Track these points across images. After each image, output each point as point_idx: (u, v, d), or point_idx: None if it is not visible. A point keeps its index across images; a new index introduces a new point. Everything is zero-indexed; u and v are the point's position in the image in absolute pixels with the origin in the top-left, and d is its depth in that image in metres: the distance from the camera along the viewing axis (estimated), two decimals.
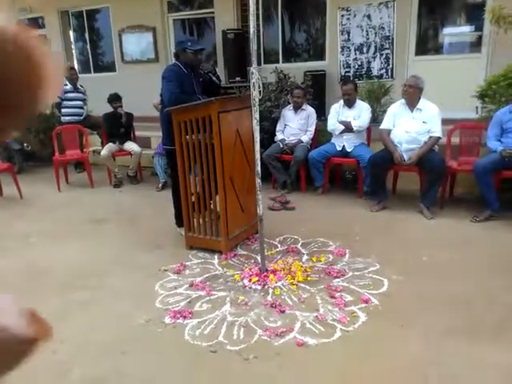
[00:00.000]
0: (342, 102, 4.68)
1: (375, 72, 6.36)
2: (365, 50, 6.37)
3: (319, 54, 7.00)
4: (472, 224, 3.68)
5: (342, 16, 6.40)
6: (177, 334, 2.35)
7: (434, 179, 3.86)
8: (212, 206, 3.33)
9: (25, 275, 3.16)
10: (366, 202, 4.33)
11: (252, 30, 2.60)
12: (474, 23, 6.00)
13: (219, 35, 7.19)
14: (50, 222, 4.27)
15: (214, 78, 3.69)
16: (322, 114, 5.15)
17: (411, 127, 3.95)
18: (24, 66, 0.29)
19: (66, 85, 6.17)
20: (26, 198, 5.05)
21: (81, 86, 6.31)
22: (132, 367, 2.12)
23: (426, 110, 3.96)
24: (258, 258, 3.02)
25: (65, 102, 6.14)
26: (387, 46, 6.23)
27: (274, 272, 2.92)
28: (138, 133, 5.99)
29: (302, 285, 2.79)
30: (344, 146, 4.58)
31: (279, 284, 2.80)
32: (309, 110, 4.93)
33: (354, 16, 6.33)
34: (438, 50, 6.42)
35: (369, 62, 6.38)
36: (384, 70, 6.31)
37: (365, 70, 6.42)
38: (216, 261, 3.23)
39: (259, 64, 6.46)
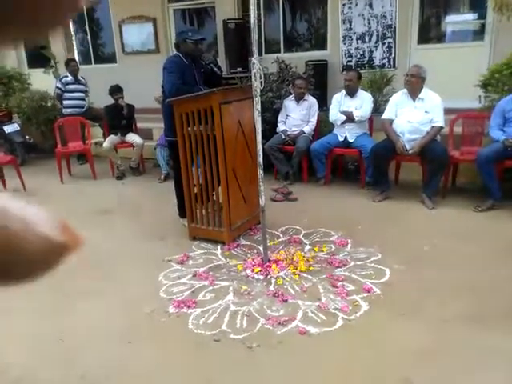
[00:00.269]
0: (343, 91, 4.66)
1: (377, 61, 6.31)
2: (367, 39, 6.32)
3: (321, 44, 6.94)
4: (474, 213, 3.68)
5: (344, 5, 6.34)
6: (181, 324, 2.38)
7: (437, 169, 3.86)
8: (214, 197, 3.35)
9: None
10: (368, 193, 4.34)
11: (253, 19, 2.59)
12: (477, 11, 5.94)
13: (220, 25, 7.13)
14: (53, 214, 4.28)
15: (215, 69, 3.68)
16: (323, 104, 5.14)
17: (413, 117, 3.94)
18: None
19: (67, 76, 6.16)
20: (29, 191, 5.07)
21: (82, 78, 6.30)
22: (137, 356, 2.15)
23: (429, 100, 3.94)
24: (261, 248, 3.04)
25: (66, 94, 6.14)
26: (389, 34, 6.18)
27: (276, 262, 2.94)
28: (139, 124, 5.99)
29: (304, 274, 2.81)
30: (346, 136, 4.58)
31: (281, 274, 2.83)
32: (311, 101, 4.91)
33: (356, 5, 6.27)
34: (440, 38, 6.36)
35: (371, 52, 6.34)
36: (386, 60, 6.26)
37: (367, 59, 6.37)
38: (219, 251, 3.26)
39: (260, 54, 6.41)
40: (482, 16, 5.77)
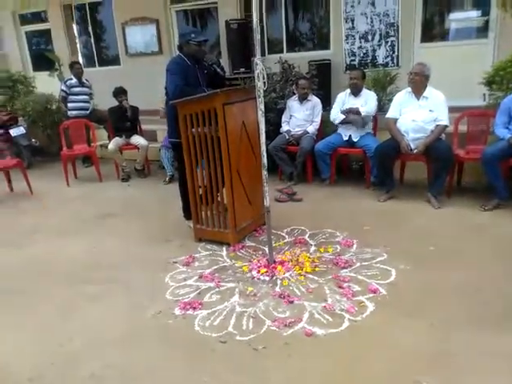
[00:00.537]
0: (348, 90, 4.65)
1: (380, 60, 6.29)
2: (370, 37, 6.30)
3: (323, 43, 6.92)
4: (480, 213, 3.66)
5: (346, 3, 6.31)
6: (187, 325, 2.39)
7: (442, 168, 3.84)
8: (219, 199, 3.35)
9: (35, 269, 3.22)
10: (373, 192, 4.33)
11: (255, 20, 2.58)
12: (480, 8, 5.89)
13: (222, 26, 7.13)
14: (59, 217, 4.33)
15: (218, 70, 3.67)
16: (327, 104, 5.13)
17: (418, 116, 3.92)
18: None
19: (72, 79, 6.20)
20: (35, 194, 5.11)
21: (86, 81, 6.34)
22: (143, 358, 2.16)
23: (433, 98, 3.92)
24: (266, 249, 3.05)
25: (71, 97, 6.18)
26: (392, 33, 6.15)
27: (281, 263, 2.94)
28: (143, 126, 6.01)
29: (310, 275, 2.81)
30: (350, 135, 4.57)
31: (287, 275, 2.83)
32: (314, 101, 4.91)
33: (358, 3, 6.24)
34: (444, 36, 6.32)
35: (374, 50, 6.31)
36: (389, 58, 6.24)
37: (370, 58, 6.35)
38: (224, 253, 3.26)
39: (263, 54, 6.42)
40: (486, 13, 5.73)
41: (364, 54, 6.39)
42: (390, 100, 4.35)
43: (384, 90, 5.27)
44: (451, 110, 3.99)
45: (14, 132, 6.06)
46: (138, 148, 5.52)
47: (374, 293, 2.56)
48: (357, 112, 4.48)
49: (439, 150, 3.81)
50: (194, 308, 2.53)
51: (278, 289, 2.68)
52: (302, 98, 4.87)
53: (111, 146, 5.44)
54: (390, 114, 4.15)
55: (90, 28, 8.86)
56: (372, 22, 6.23)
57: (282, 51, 6.98)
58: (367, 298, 2.52)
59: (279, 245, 3.30)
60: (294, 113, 4.94)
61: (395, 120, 4.08)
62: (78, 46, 9.24)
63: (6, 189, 5.28)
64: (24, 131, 6.13)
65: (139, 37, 8.07)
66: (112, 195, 4.96)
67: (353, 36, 6.41)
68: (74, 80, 6.18)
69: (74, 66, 6.28)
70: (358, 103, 4.55)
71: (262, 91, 2.70)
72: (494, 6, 4.99)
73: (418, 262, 2.88)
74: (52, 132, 6.62)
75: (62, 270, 3.16)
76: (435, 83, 4.00)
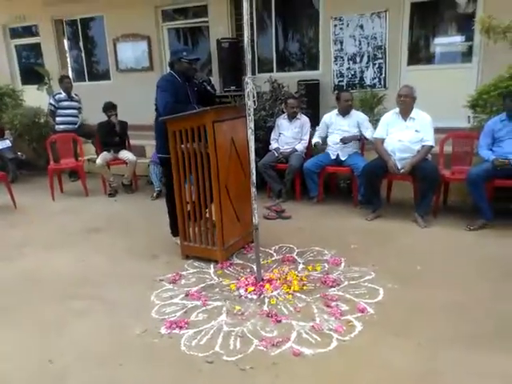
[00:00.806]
0: (335, 111, 4.72)
1: (368, 81, 6.43)
2: (358, 59, 6.45)
3: (313, 64, 7.06)
4: (466, 233, 3.71)
5: (335, 26, 6.48)
6: (173, 345, 2.34)
7: (428, 188, 3.89)
8: (207, 215, 3.34)
9: (19, 284, 3.14)
10: (360, 211, 4.36)
11: (246, 40, 2.62)
12: (464, 33, 6.11)
13: (214, 44, 7.24)
14: (44, 232, 4.25)
15: (208, 88, 3.70)
16: (315, 123, 5.20)
17: (404, 136, 3.99)
18: None
19: (61, 93, 6.18)
20: (20, 208, 5.02)
21: (75, 95, 6.31)
22: (128, 378, 2.11)
23: (419, 119, 4.00)
24: (254, 267, 3.03)
25: (59, 111, 6.14)
26: (380, 55, 6.31)
27: (269, 281, 2.92)
28: (132, 141, 5.99)
29: (298, 294, 2.79)
30: (338, 154, 4.62)
31: (275, 293, 2.81)
32: (303, 119, 4.97)
33: (347, 26, 6.41)
34: (429, 59, 6.51)
35: (362, 72, 6.46)
36: (377, 80, 6.38)
37: (358, 79, 6.49)
38: (212, 270, 3.23)
39: (254, 73, 6.50)
40: (470, 38, 5.93)
41: (352, 75, 6.53)
42: (377, 120, 4.43)
43: (371, 110, 5.37)
44: (437, 131, 4.07)
45: None
46: (126, 163, 5.48)
47: (362, 312, 2.55)
48: (359, 138, 4.59)
49: (425, 170, 3.87)
50: (181, 327, 2.48)
51: (265, 307, 2.65)
52: (291, 117, 4.93)
53: (99, 160, 5.40)
54: (377, 134, 4.22)
55: (80, 43, 8.91)
56: (360, 44, 6.39)
57: (271, 70, 7.09)
58: (355, 317, 2.51)
59: (267, 262, 3.28)
60: (283, 131, 4.99)
61: (382, 140, 4.14)
62: (68, 60, 9.26)
63: None
64: (9, 144, 6.05)
65: (130, 53, 8.13)
66: (98, 210, 4.90)
67: (341, 57, 6.56)
68: (63, 94, 6.15)
69: (63, 80, 6.26)
70: (346, 123, 4.62)
71: (252, 110, 2.72)
72: (477, 32, 5.15)
73: (406, 281, 2.89)
74: (38, 146, 6.55)
75: (45, 286, 3.09)
76: (421, 105, 4.09)
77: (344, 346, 2.26)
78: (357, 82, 6.50)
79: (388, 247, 3.49)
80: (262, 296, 2.79)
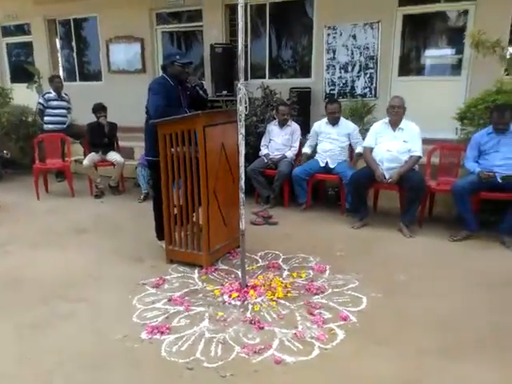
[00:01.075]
0: (325, 119, 4.75)
1: (359, 91, 6.49)
2: (349, 68, 6.51)
3: (305, 72, 7.11)
4: (450, 243, 3.74)
5: (328, 35, 6.54)
6: (153, 350, 2.31)
7: (414, 198, 3.92)
8: (194, 219, 3.32)
9: (1, 285, 3.08)
10: (347, 219, 4.37)
11: (240, 46, 2.63)
12: (454, 47, 6.22)
13: (207, 49, 7.25)
14: (28, 232, 4.18)
15: (200, 92, 3.70)
16: (306, 130, 5.22)
17: (393, 146, 4.02)
18: None
19: (50, 93, 6.12)
20: (4, 206, 4.94)
21: (65, 95, 6.26)
22: (108, 383, 2.07)
23: (408, 130, 4.04)
24: (239, 273, 3.01)
25: (48, 110, 6.08)
26: (371, 65, 6.37)
27: (254, 287, 2.91)
28: (121, 143, 5.95)
29: (282, 301, 2.78)
30: (327, 162, 4.64)
31: (259, 300, 2.79)
32: (294, 127, 4.99)
33: (340, 35, 6.47)
34: (420, 71, 6.61)
35: (353, 81, 6.52)
36: (368, 89, 6.44)
37: (349, 88, 6.55)
38: (196, 275, 3.21)
39: (246, 79, 6.52)
40: (460, 52, 6.03)
41: (343, 84, 6.58)
42: (367, 130, 4.46)
43: (361, 119, 5.41)
44: (424, 142, 4.12)
45: None
46: (114, 164, 5.44)
47: (345, 320, 2.54)
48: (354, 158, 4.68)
49: (412, 180, 3.90)
50: (162, 332, 2.45)
51: (248, 314, 2.63)
52: (282, 124, 4.94)
53: (86, 161, 5.35)
54: (366, 143, 4.25)
55: (73, 43, 8.86)
56: (352, 53, 6.46)
57: (264, 77, 7.12)
58: (338, 325, 2.50)
59: (252, 269, 3.26)
60: (274, 137, 4.99)
61: (371, 149, 4.17)
62: (59, 59, 9.19)
63: None
64: None
65: (123, 54, 8.10)
66: (84, 211, 4.85)
67: (333, 66, 6.61)
68: (53, 94, 6.10)
69: (53, 79, 6.21)
70: (336, 132, 4.65)
71: (243, 115, 2.72)
72: (467, 45, 5.24)
73: (389, 290, 2.90)
74: (25, 144, 6.46)
75: (27, 287, 3.04)
76: (410, 116, 4.14)
77: (325, 354, 2.25)
78: (348, 90, 6.56)
79: (373, 256, 3.50)
80: (246, 302, 2.77)
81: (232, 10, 7.13)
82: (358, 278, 3.07)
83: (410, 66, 6.65)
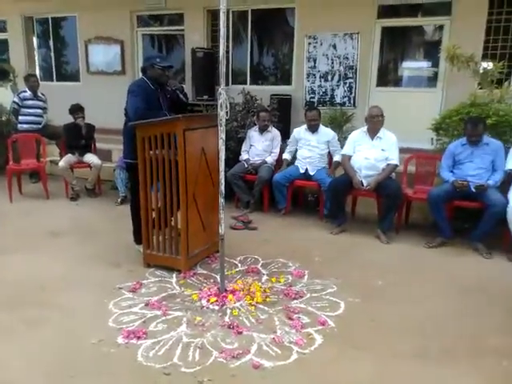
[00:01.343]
0: (305, 126, 4.80)
1: (338, 99, 6.60)
2: (329, 77, 6.61)
3: (286, 79, 7.18)
4: (425, 250, 3.83)
5: (309, 44, 6.63)
6: (130, 355, 2.26)
7: (391, 205, 4.00)
8: (173, 223, 3.28)
9: None
10: (326, 225, 4.41)
11: (222, 52, 2.64)
12: (431, 60, 6.41)
13: (188, 53, 7.24)
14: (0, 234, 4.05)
15: (181, 96, 3.69)
16: (286, 136, 5.26)
17: (370, 154, 4.10)
18: None
19: (26, 92, 5.97)
20: None
21: (42, 94, 6.11)
22: None
23: (385, 139, 4.13)
24: (218, 277, 2.99)
25: (23, 110, 5.91)
26: (351, 75, 6.50)
27: (233, 292, 2.89)
28: (99, 145, 5.84)
29: (261, 306, 2.78)
30: (307, 168, 4.68)
31: (237, 305, 2.78)
32: (274, 133, 5.02)
33: (321, 44, 6.58)
34: (397, 82, 6.78)
35: (333, 90, 6.62)
36: (347, 98, 6.56)
37: (329, 97, 6.65)
38: (174, 279, 3.17)
39: (227, 84, 6.54)
40: (436, 65, 6.23)
41: (323, 92, 6.68)
42: (346, 138, 4.53)
43: (340, 128, 5.49)
44: (401, 151, 4.21)
45: None
46: (91, 167, 5.34)
47: (323, 325, 2.56)
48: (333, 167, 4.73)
49: (389, 187, 3.98)
50: (138, 337, 2.41)
51: (227, 319, 2.62)
52: (262, 130, 4.97)
53: (62, 163, 5.23)
54: (344, 151, 4.32)
55: (51, 42, 8.69)
56: (332, 63, 6.57)
57: (245, 82, 7.15)
58: (316, 330, 2.51)
59: (231, 273, 3.25)
60: (254, 143, 5.01)
61: (349, 157, 4.24)
62: (36, 58, 8.98)
63: None
64: None
65: (102, 55, 7.99)
66: (59, 214, 4.72)
67: (314, 75, 6.70)
68: (28, 93, 5.95)
69: (29, 78, 6.06)
70: (315, 139, 4.70)
71: (224, 120, 2.72)
72: (442, 59, 5.41)
73: (366, 296, 2.93)
74: None
75: (1, 292, 2.93)
76: (387, 125, 4.22)
77: (304, 359, 2.26)
78: (327, 99, 6.66)
79: (351, 261, 3.54)
80: (225, 307, 2.75)
81: (214, 15, 7.15)
82: (336, 283, 3.10)
83: (388, 76, 6.82)
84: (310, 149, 4.69)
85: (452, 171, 3.96)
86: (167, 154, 3.07)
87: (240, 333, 2.46)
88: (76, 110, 5.38)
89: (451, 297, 2.96)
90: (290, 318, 2.62)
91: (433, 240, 3.90)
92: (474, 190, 3.71)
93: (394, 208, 4.05)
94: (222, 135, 2.75)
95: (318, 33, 6.53)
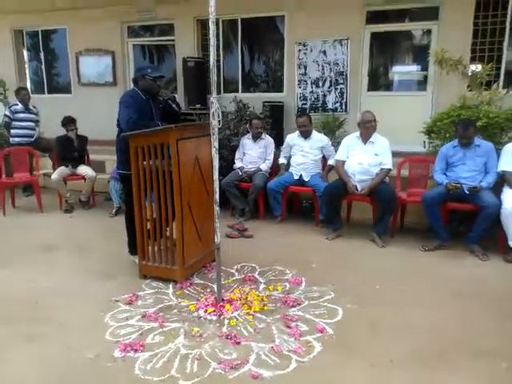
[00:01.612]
0: (298, 132, 4.81)
1: (330, 105, 6.63)
2: (321, 84, 6.65)
3: (277, 86, 7.21)
4: (421, 253, 3.83)
5: (299, 51, 6.67)
6: (127, 369, 2.24)
7: (386, 209, 4.01)
8: (168, 233, 3.26)
9: None
10: (322, 230, 4.41)
11: (212, 61, 2.65)
12: (420, 64, 6.48)
13: (179, 62, 7.25)
14: None
15: (173, 105, 3.68)
16: (279, 143, 5.28)
17: (364, 159, 4.11)
18: None
19: (17, 105, 5.94)
20: None
21: (33, 107, 6.09)
22: None
23: (378, 143, 4.15)
24: (215, 287, 2.97)
25: (15, 123, 5.89)
26: (341, 81, 6.54)
27: (230, 302, 2.88)
28: (92, 156, 5.82)
29: (259, 315, 2.76)
30: (301, 175, 4.69)
31: (235, 314, 2.76)
32: (267, 140, 5.03)
33: (311, 51, 6.62)
34: (388, 87, 6.83)
35: (324, 96, 6.65)
36: (338, 104, 6.59)
37: (320, 103, 6.68)
38: (171, 290, 3.14)
39: (219, 93, 6.53)
40: (425, 68, 6.29)
41: (315, 98, 6.71)
42: (339, 143, 4.55)
43: (332, 133, 5.52)
44: (394, 154, 4.24)
45: None
46: (85, 178, 5.31)
47: (322, 332, 2.55)
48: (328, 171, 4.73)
49: (383, 192, 3.99)
50: (136, 350, 2.38)
51: (225, 329, 2.60)
52: (256, 137, 4.98)
53: (55, 175, 5.20)
54: (338, 157, 4.34)
55: (41, 54, 8.66)
56: (323, 69, 6.60)
57: (237, 91, 7.17)
58: (314, 337, 2.50)
59: (228, 282, 3.23)
60: (248, 150, 5.02)
61: (343, 162, 4.26)
62: (26, 71, 8.95)
63: None
64: None
65: (93, 67, 7.98)
66: (53, 227, 4.69)
67: (305, 81, 6.73)
68: (20, 106, 5.92)
69: (20, 91, 6.04)
70: (308, 145, 4.71)
71: (216, 129, 2.73)
72: (431, 62, 5.47)
73: (364, 301, 2.93)
74: None
75: None
76: (380, 129, 4.25)
77: (303, 367, 2.24)
78: (319, 105, 6.69)
79: (348, 266, 3.54)
80: (222, 317, 2.73)
81: (204, 24, 7.18)
82: (334, 290, 3.09)
83: (378, 81, 6.87)
84: (303, 155, 4.71)
85: (445, 174, 3.98)
86: (161, 164, 3.06)
87: (238, 343, 2.44)
88: (68, 122, 5.37)
89: (449, 300, 2.96)
90: (289, 327, 2.61)
91: (429, 243, 3.90)
92: (467, 192, 3.73)
93: (389, 212, 4.06)
94: (215, 144, 2.75)
95: (307, 39, 6.57)
